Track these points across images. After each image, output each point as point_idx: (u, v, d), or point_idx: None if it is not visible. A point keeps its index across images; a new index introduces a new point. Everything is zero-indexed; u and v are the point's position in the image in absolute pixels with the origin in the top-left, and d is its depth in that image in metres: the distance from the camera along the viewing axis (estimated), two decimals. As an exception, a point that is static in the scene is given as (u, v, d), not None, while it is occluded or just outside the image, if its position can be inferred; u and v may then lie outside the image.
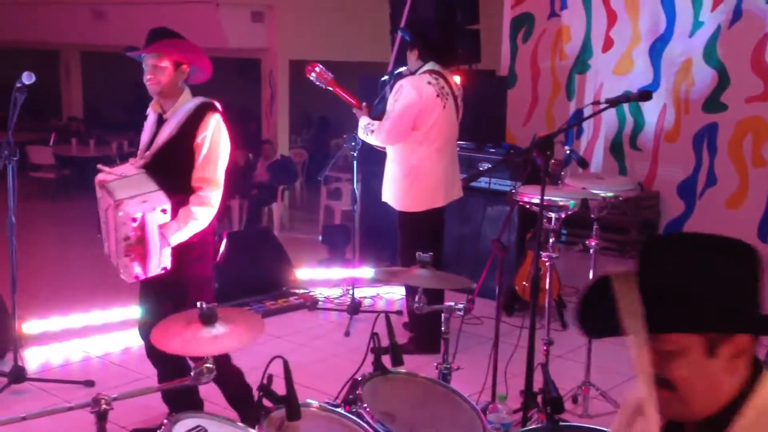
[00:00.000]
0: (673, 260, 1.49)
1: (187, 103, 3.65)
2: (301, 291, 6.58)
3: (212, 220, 3.62)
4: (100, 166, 3.65)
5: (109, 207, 3.42)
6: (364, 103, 5.32)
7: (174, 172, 3.53)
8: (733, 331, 1.46)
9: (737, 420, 1.47)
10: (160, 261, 3.44)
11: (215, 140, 3.57)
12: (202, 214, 3.53)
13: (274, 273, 6.62)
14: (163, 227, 3.41)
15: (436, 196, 5.16)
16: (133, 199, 3.35)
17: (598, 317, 1.55)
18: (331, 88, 5.30)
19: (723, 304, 1.44)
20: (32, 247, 7.59)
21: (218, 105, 3.68)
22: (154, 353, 3.75)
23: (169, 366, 3.54)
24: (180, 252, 3.51)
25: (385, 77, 6.01)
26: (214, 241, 3.71)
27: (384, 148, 5.30)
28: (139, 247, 3.38)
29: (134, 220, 3.33)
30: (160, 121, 3.69)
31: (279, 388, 2.39)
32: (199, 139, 3.54)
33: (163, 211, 3.41)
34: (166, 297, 3.57)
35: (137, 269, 3.44)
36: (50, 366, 5.03)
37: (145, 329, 3.67)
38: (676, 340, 1.47)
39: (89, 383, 4.62)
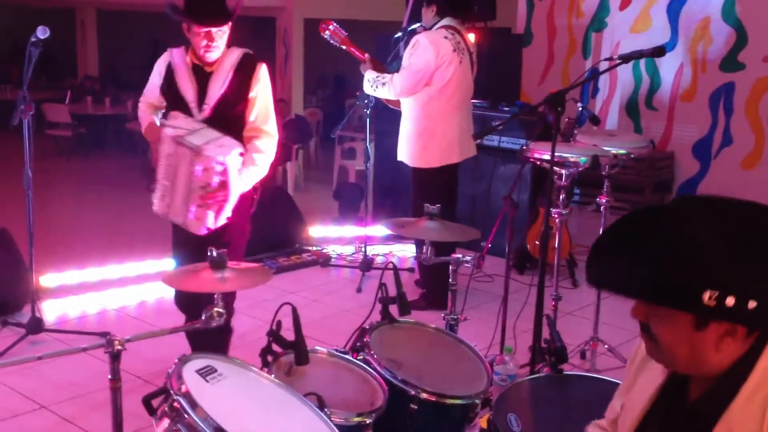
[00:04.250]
0: (689, 227, 1.40)
1: (231, 54, 3.68)
2: (314, 248, 6.63)
3: None
4: (163, 121, 3.65)
5: (182, 160, 3.40)
6: (367, 55, 5.28)
7: (232, 123, 3.60)
8: (720, 319, 1.40)
9: (744, 387, 1.44)
10: (231, 209, 3.49)
11: (267, 91, 3.69)
12: (262, 161, 3.62)
13: (287, 230, 6.67)
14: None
15: (451, 153, 5.17)
16: (209, 144, 3.38)
17: (606, 264, 1.49)
18: (344, 47, 5.29)
19: (715, 286, 1.36)
20: (48, 204, 7.67)
21: None
22: (182, 300, 3.83)
23: (197, 313, 3.56)
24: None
25: (399, 34, 5.99)
26: (252, 192, 3.76)
27: (397, 104, 5.29)
28: (219, 193, 3.41)
29: (220, 164, 3.35)
30: (202, 73, 3.65)
31: (289, 336, 2.44)
32: (253, 92, 3.63)
33: (241, 154, 3.47)
34: (207, 246, 3.60)
35: (210, 218, 3.45)
36: (67, 318, 5.13)
37: None
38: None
39: (105, 335, 4.68)
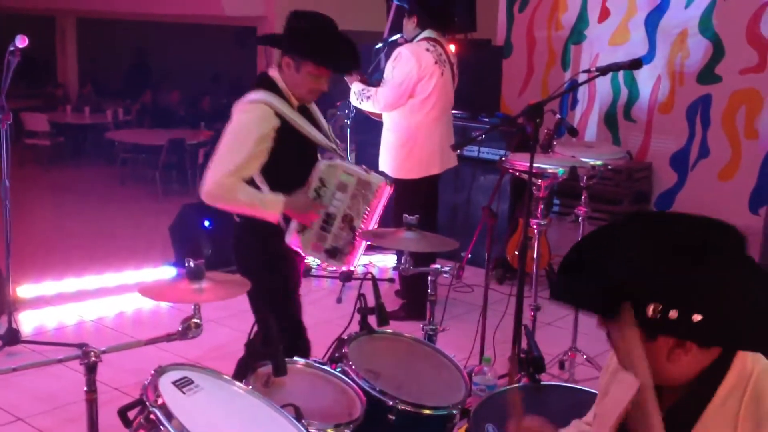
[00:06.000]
0: (638, 244, 1.44)
1: None
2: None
3: None
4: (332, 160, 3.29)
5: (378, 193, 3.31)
6: None
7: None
8: (665, 333, 1.44)
9: (716, 396, 1.47)
10: None
11: None
12: None
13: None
14: None
15: (432, 164, 5.20)
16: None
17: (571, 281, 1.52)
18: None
19: (661, 299, 1.39)
20: (27, 213, 7.61)
21: None
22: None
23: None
24: None
25: (380, 45, 6.01)
26: None
27: (378, 116, 5.31)
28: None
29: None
30: (306, 112, 3.33)
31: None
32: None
33: None
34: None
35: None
36: (44, 329, 5.08)
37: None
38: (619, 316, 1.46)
39: (82, 346, 4.65)
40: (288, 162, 3.10)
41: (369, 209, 3.24)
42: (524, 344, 3.21)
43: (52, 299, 5.51)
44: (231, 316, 4.97)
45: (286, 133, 3.09)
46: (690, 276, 1.39)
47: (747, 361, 1.47)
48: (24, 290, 5.38)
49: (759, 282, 1.44)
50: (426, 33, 5.16)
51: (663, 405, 1.54)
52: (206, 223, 6.23)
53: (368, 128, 6.13)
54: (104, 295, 5.63)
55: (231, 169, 3.03)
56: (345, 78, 5.31)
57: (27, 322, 5.08)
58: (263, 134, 3.04)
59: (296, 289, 3.44)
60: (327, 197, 3.18)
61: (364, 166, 3.37)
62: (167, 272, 6.03)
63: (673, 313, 1.38)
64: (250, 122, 3.05)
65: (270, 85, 3.15)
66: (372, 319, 2.93)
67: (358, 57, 3.25)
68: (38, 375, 4.16)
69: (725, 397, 1.46)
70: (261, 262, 3.27)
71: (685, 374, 1.49)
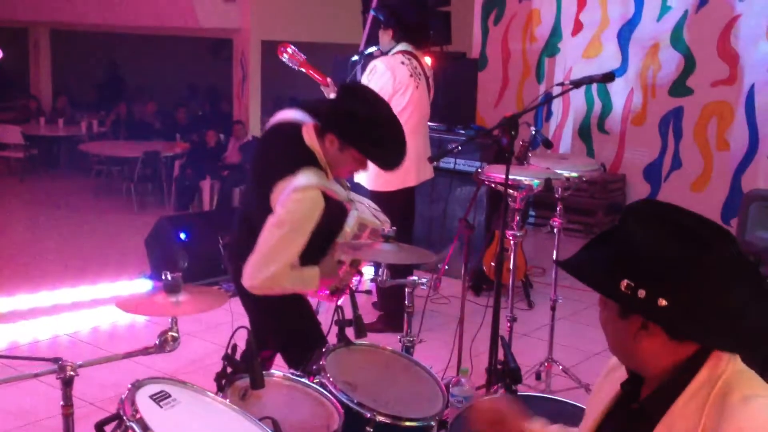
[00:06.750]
0: (629, 228, 1.55)
1: None
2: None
3: None
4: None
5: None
6: (329, 79, 5.30)
7: None
8: (632, 309, 1.53)
9: (686, 390, 1.53)
10: None
11: None
12: None
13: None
14: None
15: (408, 176, 5.21)
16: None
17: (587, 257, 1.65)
18: (303, 69, 5.30)
19: (635, 278, 1.50)
20: (0, 225, 7.54)
21: None
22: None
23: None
24: None
25: (356, 57, 6.03)
26: None
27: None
28: None
29: None
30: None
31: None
32: None
33: None
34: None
35: None
36: (18, 344, 5.03)
37: None
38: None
39: (57, 360, 4.61)
40: (320, 229, 2.95)
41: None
42: (501, 355, 3.23)
43: (26, 313, 5.45)
44: (206, 330, 4.96)
45: (326, 207, 2.94)
46: (668, 264, 1.48)
47: (722, 361, 1.53)
48: (-3, 304, 5.33)
49: (747, 288, 1.51)
50: (401, 46, 5.19)
51: (642, 394, 1.63)
52: (182, 236, 6.21)
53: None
54: (79, 309, 5.58)
55: (286, 262, 2.90)
56: (322, 89, 5.32)
57: (0, 336, 5.02)
58: (315, 220, 2.90)
59: (313, 315, 3.32)
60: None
61: (373, 206, 3.33)
62: (143, 285, 6.00)
63: (641, 293, 1.49)
64: (306, 211, 2.88)
65: (312, 160, 2.96)
66: (350, 331, 2.93)
67: (405, 152, 3.03)
68: (12, 390, 4.11)
69: (695, 391, 1.52)
70: (285, 332, 3.21)
71: (655, 361, 1.56)
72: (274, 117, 3.20)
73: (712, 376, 1.51)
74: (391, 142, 2.98)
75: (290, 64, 5.25)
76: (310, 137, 2.98)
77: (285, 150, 3.01)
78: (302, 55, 5.25)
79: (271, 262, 2.88)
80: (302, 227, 2.88)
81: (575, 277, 1.60)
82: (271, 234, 2.89)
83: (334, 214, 2.96)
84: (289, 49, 5.22)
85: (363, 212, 3.16)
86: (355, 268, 3.19)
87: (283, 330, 3.17)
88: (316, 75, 5.29)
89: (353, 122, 2.91)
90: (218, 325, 5.01)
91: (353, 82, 3.19)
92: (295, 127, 3.02)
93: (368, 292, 6.13)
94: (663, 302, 1.47)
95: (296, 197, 2.85)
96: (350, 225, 3.03)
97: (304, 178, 2.87)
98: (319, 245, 2.98)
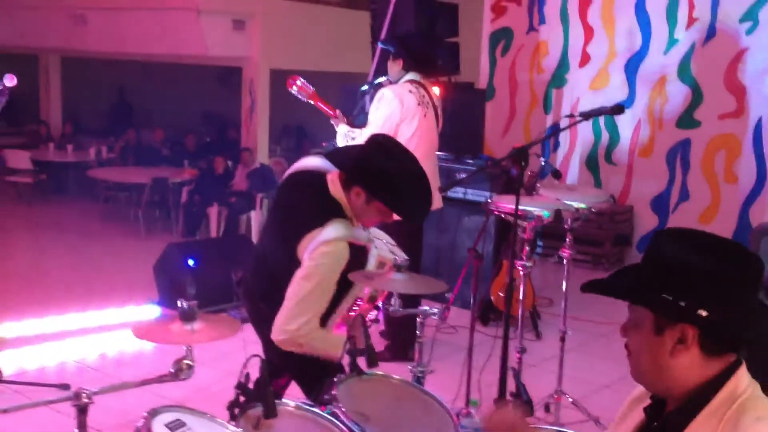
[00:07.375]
0: (663, 247, 1.62)
1: None
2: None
3: None
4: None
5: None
6: (337, 111, 5.33)
7: None
8: (673, 320, 1.59)
9: (708, 406, 1.59)
10: None
11: None
12: None
13: (251, 280, 6.63)
14: None
15: (415, 206, 5.21)
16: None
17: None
18: (313, 102, 5.34)
19: (673, 292, 1.56)
20: (8, 251, 7.57)
21: None
22: None
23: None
24: None
25: (365, 87, 6.08)
26: None
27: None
28: None
29: None
30: None
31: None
32: None
33: None
34: None
35: None
36: (25, 370, 5.02)
37: None
38: (636, 313, 1.65)
39: (65, 386, 4.60)
40: (343, 275, 2.94)
41: None
42: (512, 387, 3.22)
43: (33, 338, 5.45)
44: (217, 358, 4.94)
45: (350, 256, 2.94)
46: (706, 274, 1.56)
47: (741, 384, 1.59)
48: (4, 329, 5.33)
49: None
50: (410, 75, 5.24)
51: (666, 411, 1.68)
52: (191, 262, 6.22)
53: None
54: (86, 334, 5.58)
55: (316, 314, 2.92)
56: (331, 121, 5.36)
57: (7, 361, 5.01)
58: (341, 270, 2.91)
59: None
60: (359, 286, 3.08)
61: (390, 241, 3.34)
62: (151, 311, 6.00)
63: (682, 304, 1.55)
64: (334, 264, 2.89)
65: (338, 211, 2.96)
66: (361, 361, 2.92)
67: (431, 205, 3.08)
68: (19, 417, 4.09)
69: (715, 409, 1.58)
70: (300, 360, 3.12)
71: (684, 378, 1.61)
72: (297, 164, 3.20)
73: (732, 396, 1.57)
74: (418, 197, 2.99)
75: (299, 97, 5.28)
76: (335, 187, 2.97)
77: (311, 200, 3.00)
78: (311, 87, 5.29)
79: (300, 314, 2.89)
80: (330, 279, 2.90)
81: (610, 295, 1.65)
82: (300, 287, 2.90)
83: (357, 258, 2.97)
84: (298, 82, 5.25)
85: (381, 249, 3.16)
86: (373, 303, 3.19)
87: (298, 358, 3.17)
88: (324, 107, 5.33)
89: (381, 178, 2.90)
90: (228, 353, 4.98)
91: (381, 135, 3.21)
92: (319, 177, 3.01)
93: (375, 320, 6.14)
94: (703, 312, 1.54)
95: (325, 250, 2.86)
96: (371, 265, 3.03)
97: (333, 230, 2.88)
98: (340, 289, 2.98)
